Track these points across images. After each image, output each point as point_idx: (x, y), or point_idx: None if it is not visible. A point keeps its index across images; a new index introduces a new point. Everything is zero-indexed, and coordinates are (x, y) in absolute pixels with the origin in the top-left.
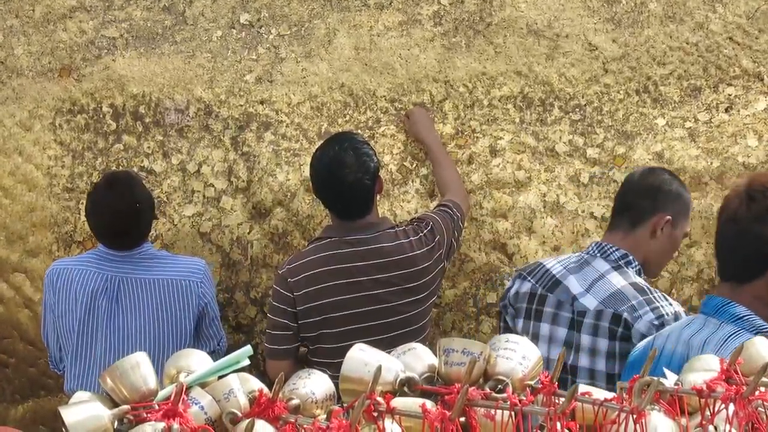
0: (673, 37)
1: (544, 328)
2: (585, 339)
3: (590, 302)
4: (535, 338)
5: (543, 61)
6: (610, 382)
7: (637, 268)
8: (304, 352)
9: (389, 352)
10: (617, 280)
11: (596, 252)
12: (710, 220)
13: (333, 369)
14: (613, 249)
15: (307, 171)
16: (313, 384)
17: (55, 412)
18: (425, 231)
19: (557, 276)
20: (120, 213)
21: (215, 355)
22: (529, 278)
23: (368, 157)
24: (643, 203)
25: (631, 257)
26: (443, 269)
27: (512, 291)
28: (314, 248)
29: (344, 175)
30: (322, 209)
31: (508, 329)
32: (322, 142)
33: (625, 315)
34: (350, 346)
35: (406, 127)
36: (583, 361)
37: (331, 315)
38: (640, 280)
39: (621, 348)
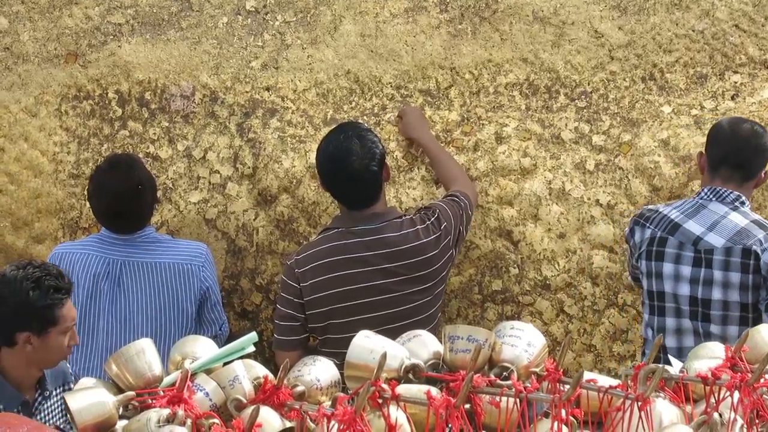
0: (679, 24)
1: (668, 267)
2: (717, 274)
3: (716, 240)
4: (659, 276)
5: (549, 48)
6: (744, 311)
7: (748, 208)
8: (315, 344)
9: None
10: (739, 219)
11: (711, 196)
12: None
13: (341, 359)
14: (728, 192)
15: (312, 157)
16: (318, 371)
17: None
18: (432, 219)
19: (675, 220)
20: (122, 194)
21: (217, 340)
22: (648, 225)
23: (373, 143)
24: (756, 162)
25: (743, 198)
26: (451, 257)
27: (636, 238)
28: (322, 239)
29: (351, 163)
30: (327, 196)
31: (637, 268)
32: (326, 133)
33: (755, 248)
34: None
35: (399, 128)
36: (717, 294)
37: (338, 305)
38: (759, 217)
39: (753, 280)
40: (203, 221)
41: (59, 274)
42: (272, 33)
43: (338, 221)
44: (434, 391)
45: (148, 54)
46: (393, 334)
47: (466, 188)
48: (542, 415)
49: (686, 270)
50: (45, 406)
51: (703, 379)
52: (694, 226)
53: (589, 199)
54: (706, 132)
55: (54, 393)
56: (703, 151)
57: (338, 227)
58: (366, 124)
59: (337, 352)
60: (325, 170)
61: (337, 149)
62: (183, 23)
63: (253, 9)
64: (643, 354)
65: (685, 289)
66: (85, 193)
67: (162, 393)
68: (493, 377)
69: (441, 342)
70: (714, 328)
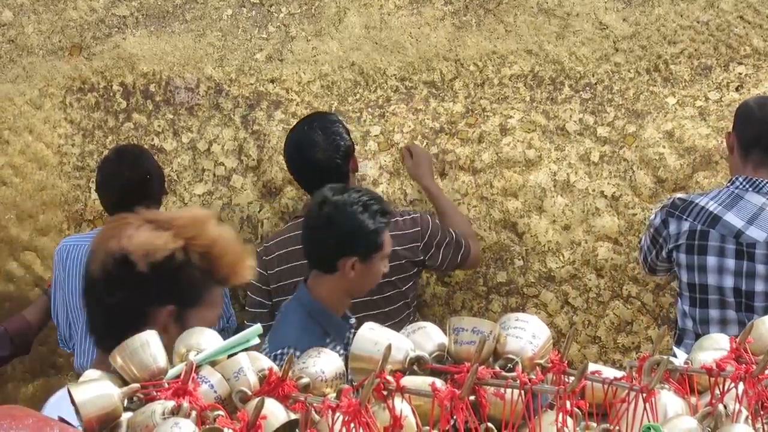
0: (683, 15)
1: (711, 260)
2: (760, 268)
3: (758, 234)
4: (701, 269)
5: (553, 39)
6: None
7: None
8: None
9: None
10: None
11: (747, 186)
12: None
13: None
14: (764, 182)
15: None
16: (323, 363)
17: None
18: (405, 217)
19: (715, 212)
20: (130, 183)
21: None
22: (684, 217)
23: (338, 136)
24: None
25: None
26: (415, 263)
27: (671, 230)
28: (288, 227)
29: (314, 154)
30: None
31: (665, 260)
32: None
33: None
34: None
35: (407, 165)
36: (760, 286)
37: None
38: None
39: None
40: None
41: (381, 198)
42: (277, 25)
43: (305, 210)
44: (439, 382)
45: (152, 46)
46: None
47: (470, 239)
48: (547, 407)
49: (730, 263)
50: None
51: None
52: (734, 219)
53: (593, 190)
54: (711, 123)
55: None
56: (731, 131)
57: (303, 215)
58: (337, 116)
59: None
60: (289, 158)
61: (301, 139)
62: (187, 15)
63: (258, 1)
64: (680, 343)
65: (729, 282)
66: (91, 184)
67: (167, 385)
68: (497, 369)
69: (446, 334)
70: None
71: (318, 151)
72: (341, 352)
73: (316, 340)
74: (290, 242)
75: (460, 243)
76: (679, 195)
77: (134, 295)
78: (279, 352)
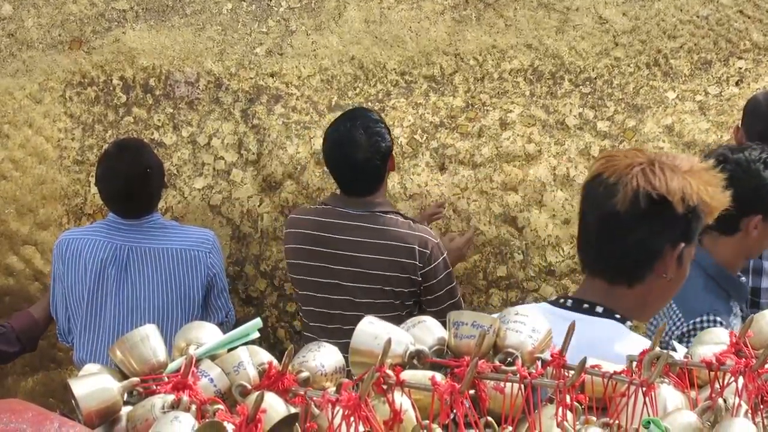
0: (683, 10)
1: None
2: (767, 264)
3: None
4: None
5: (553, 34)
6: None
7: None
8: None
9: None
10: None
11: None
12: None
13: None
14: None
15: (317, 144)
16: (323, 357)
17: (64, 384)
18: (424, 236)
19: None
20: (131, 177)
21: (223, 327)
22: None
23: (380, 137)
24: None
25: None
26: (410, 281)
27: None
28: (312, 209)
29: (354, 154)
30: (332, 182)
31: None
32: (335, 117)
33: None
34: (311, 312)
35: (446, 240)
36: (766, 283)
37: (305, 278)
38: None
39: None
40: (208, 207)
41: None
42: (276, 19)
43: (332, 198)
44: (439, 376)
45: (152, 40)
46: (346, 321)
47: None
48: (547, 401)
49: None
50: None
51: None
52: None
53: None
54: (711, 118)
55: None
56: (740, 126)
57: (329, 204)
58: (378, 114)
59: (309, 324)
60: (328, 156)
61: (342, 137)
62: (187, 9)
63: None
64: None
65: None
66: (91, 178)
67: (167, 379)
68: (497, 363)
69: (446, 328)
70: None
71: (359, 151)
72: (740, 313)
73: (723, 302)
74: (307, 224)
75: (454, 286)
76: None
77: (659, 234)
78: (698, 320)
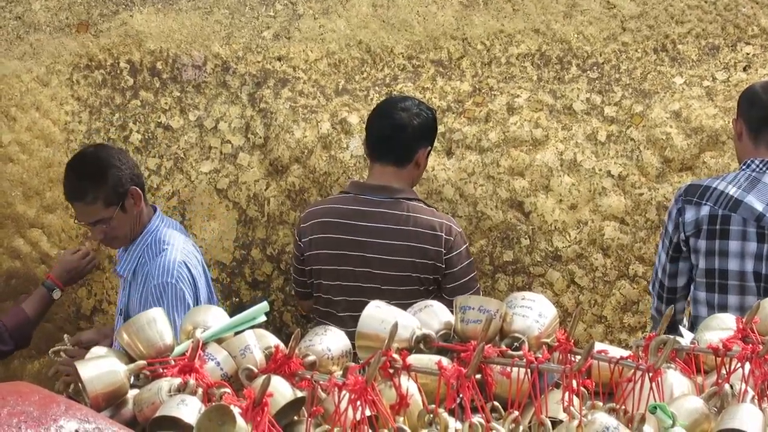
0: None
1: (733, 245)
2: None
3: None
4: (723, 255)
5: (561, 18)
6: None
7: None
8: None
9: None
10: None
11: (764, 168)
12: None
13: (331, 320)
14: None
15: (324, 128)
16: (330, 341)
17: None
18: (448, 223)
19: (735, 196)
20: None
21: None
22: (704, 202)
23: (427, 114)
24: None
25: None
26: (434, 268)
27: (687, 217)
28: (329, 199)
29: (398, 112)
30: (339, 166)
31: (680, 249)
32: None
33: None
34: (334, 301)
35: None
36: None
37: (326, 267)
38: None
39: None
40: (214, 191)
41: None
42: (284, 3)
43: (352, 186)
44: (445, 361)
45: (159, 24)
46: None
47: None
48: (553, 386)
49: (752, 246)
50: None
51: (714, 350)
52: (755, 202)
53: (600, 170)
54: (718, 103)
55: None
56: (737, 118)
57: (348, 191)
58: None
59: (327, 311)
60: (372, 116)
61: (391, 102)
62: None
63: None
64: (693, 330)
65: (749, 266)
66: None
67: (173, 362)
68: (504, 348)
69: (452, 312)
70: None
71: (404, 112)
72: None
73: None
74: (325, 213)
75: (474, 275)
76: (695, 181)
77: None
78: None
